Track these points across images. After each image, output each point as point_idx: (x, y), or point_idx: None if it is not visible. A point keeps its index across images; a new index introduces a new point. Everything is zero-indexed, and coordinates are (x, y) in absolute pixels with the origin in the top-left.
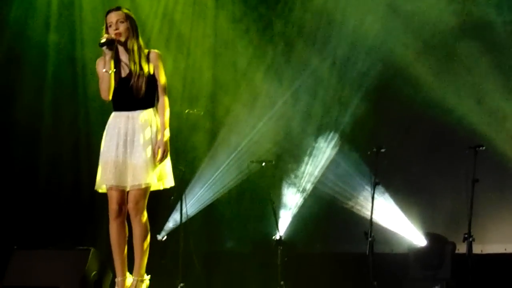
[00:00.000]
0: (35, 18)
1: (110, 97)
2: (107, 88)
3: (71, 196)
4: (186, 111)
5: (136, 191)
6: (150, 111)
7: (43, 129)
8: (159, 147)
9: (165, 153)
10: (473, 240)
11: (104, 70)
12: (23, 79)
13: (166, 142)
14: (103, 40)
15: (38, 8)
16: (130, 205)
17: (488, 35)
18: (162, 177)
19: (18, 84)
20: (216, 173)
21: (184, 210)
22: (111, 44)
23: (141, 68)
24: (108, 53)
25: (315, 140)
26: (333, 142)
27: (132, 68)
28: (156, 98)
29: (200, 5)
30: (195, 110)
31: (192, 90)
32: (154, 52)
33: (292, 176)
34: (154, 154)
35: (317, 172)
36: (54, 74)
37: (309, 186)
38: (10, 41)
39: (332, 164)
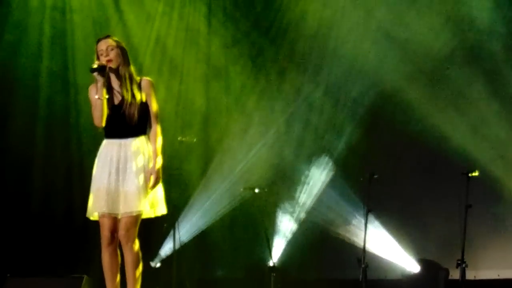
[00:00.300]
0: (28, 45)
1: (103, 124)
2: (100, 115)
3: (64, 222)
4: (179, 138)
5: (127, 219)
6: (142, 138)
7: (35, 155)
8: (151, 174)
9: (157, 180)
10: (466, 266)
11: (96, 96)
12: (16, 105)
13: (158, 170)
14: (94, 66)
15: (31, 35)
16: (121, 233)
17: (482, 61)
18: (154, 204)
19: (11, 110)
20: (209, 200)
21: (177, 237)
22: (103, 70)
23: (133, 95)
24: (100, 80)
25: (308, 167)
26: (326, 169)
27: (125, 95)
28: (148, 126)
29: (193, 31)
30: (187, 138)
31: (184, 116)
32: (146, 79)
33: (285, 203)
34: (146, 181)
35: (310, 199)
36: (47, 101)
37: (302, 213)
38: (2, 67)
39: (325, 191)
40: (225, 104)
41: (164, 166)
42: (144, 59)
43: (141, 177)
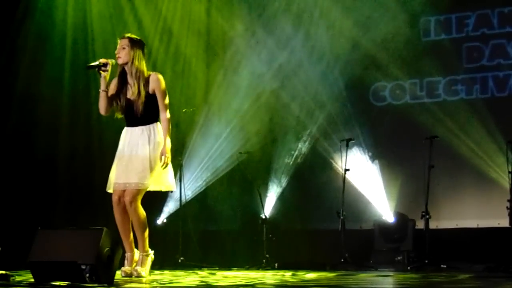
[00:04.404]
0: (54, 32)
1: (104, 113)
2: (101, 105)
3: (86, 184)
4: (184, 110)
5: (130, 189)
6: (149, 127)
7: (61, 128)
8: (162, 155)
9: (166, 161)
10: (430, 217)
11: (99, 89)
12: (43, 86)
13: (167, 151)
14: (89, 64)
15: (56, 24)
16: (125, 198)
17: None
18: (163, 181)
19: (40, 91)
20: (210, 162)
21: (183, 195)
22: (104, 66)
23: (139, 90)
24: (101, 75)
25: (295, 133)
26: (310, 135)
27: (132, 90)
28: (158, 114)
29: (194, 18)
30: (190, 110)
31: (188, 91)
32: (153, 75)
33: (275, 163)
34: (151, 163)
35: (296, 160)
36: (71, 83)
37: (290, 173)
38: (31, 54)
39: (310, 153)
40: (222, 79)
41: (172, 133)
42: (153, 43)
43: (145, 160)
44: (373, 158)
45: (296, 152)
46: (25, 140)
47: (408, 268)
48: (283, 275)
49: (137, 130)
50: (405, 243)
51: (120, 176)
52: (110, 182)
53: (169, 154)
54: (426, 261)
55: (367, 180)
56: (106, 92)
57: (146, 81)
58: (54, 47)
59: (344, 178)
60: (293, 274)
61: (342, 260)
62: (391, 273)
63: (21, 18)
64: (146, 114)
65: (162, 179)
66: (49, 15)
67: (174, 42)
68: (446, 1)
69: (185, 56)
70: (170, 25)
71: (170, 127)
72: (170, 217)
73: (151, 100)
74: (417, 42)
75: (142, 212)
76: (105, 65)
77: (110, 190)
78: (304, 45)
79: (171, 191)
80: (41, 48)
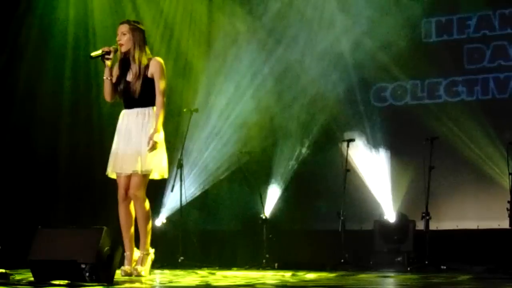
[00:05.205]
0: (56, 28)
1: (109, 99)
2: (106, 92)
3: (86, 182)
4: (184, 110)
5: (134, 177)
6: (146, 109)
7: (62, 126)
8: (150, 139)
9: (154, 145)
10: (430, 218)
11: (104, 77)
12: (45, 83)
13: (156, 135)
14: (92, 54)
15: (58, 20)
16: (130, 191)
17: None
18: (157, 168)
19: (41, 89)
20: (210, 162)
21: (183, 196)
22: (107, 54)
23: (139, 73)
24: (105, 63)
25: (295, 134)
26: (311, 136)
27: (133, 73)
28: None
29: (195, 20)
30: (191, 109)
31: (189, 90)
32: (154, 60)
33: (276, 164)
34: (144, 148)
35: (297, 160)
36: (72, 80)
37: (290, 173)
38: (33, 52)
39: (310, 154)
40: (223, 79)
41: (173, 133)
42: (155, 41)
43: (142, 142)
44: (373, 158)
45: (297, 152)
46: (25, 138)
47: (408, 269)
48: (283, 275)
49: (133, 113)
50: (405, 244)
51: (121, 167)
52: (108, 167)
53: (157, 139)
54: (426, 262)
55: (368, 181)
56: (111, 79)
57: (147, 65)
58: (55, 44)
59: (344, 178)
60: (293, 274)
61: (342, 260)
62: (391, 274)
63: (23, 15)
64: (143, 97)
65: (156, 165)
66: (50, 13)
67: (175, 42)
68: (447, 2)
69: (186, 55)
70: (171, 24)
71: (164, 111)
72: (170, 217)
73: (149, 84)
74: (419, 43)
75: (147, 205)
76: (108, 53)
77: (110, 176)
78: (305, 46)
79: (172, 190)
80: (42, 46)
